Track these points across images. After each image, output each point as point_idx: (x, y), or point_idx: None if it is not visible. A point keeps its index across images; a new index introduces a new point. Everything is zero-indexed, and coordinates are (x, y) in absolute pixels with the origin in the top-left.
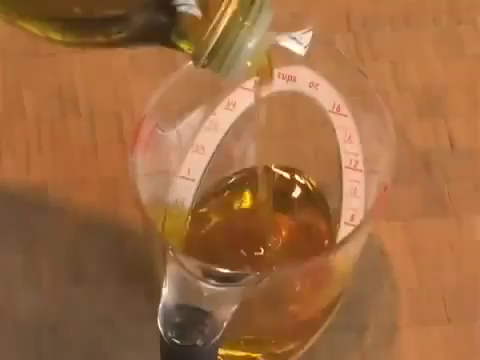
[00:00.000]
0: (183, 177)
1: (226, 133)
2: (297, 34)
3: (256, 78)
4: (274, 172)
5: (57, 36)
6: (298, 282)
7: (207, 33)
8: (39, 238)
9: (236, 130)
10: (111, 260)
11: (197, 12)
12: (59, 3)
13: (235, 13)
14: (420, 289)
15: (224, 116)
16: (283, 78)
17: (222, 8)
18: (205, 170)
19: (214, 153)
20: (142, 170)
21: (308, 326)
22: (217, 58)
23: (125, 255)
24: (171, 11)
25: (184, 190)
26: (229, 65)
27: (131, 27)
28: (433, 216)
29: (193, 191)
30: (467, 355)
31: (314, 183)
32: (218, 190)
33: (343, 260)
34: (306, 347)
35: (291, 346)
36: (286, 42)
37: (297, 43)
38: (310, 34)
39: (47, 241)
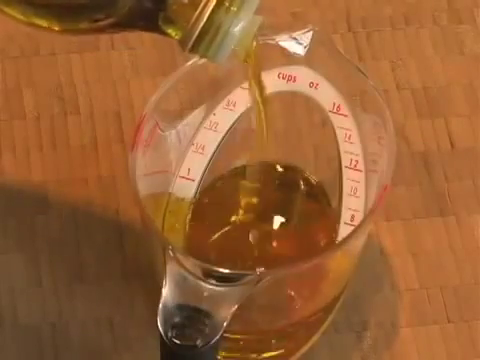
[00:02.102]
0: (183, 177)
1: (226, 133)
2: (297, 34)
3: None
4: (276, 169)
5: (42, 22)
6: (298, 282)
7: (193, 18)
8: (39, 238)
9: (236, 130)
10: (111, 260)
11: None
12: None
13: None
14: (420, 289)
15: (224, 116)
16: (283, 78)
17: None
18: (205, 170)
19: (214, 153)
20: (142, 170)
21: (308, 326)
22: (204, 43)
23: (125, 254)
24: None
25: (184, 190)
26: (216, 49)
27: (118, 13)
28: (433, 216)
29: (193, 191)
30: (467, 355)
31: (315, 180)
32: (218, 188)
33: (343, 260)
34: (306, 347)
35: (291, 346)
36: (286, 42)
37: (297, 43)
38: (310, 34)
39: (47, 241)
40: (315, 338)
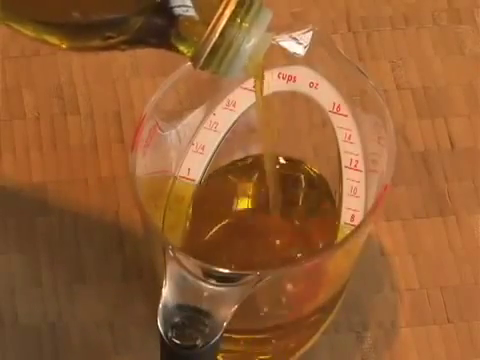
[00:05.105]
0: (183, 177)
1: (226, 133)
2: (297, 34)
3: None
4: (276, 162)
5: (53, 40)
6: (298, 282)
7: (205, 35)
8: (39, 238)
9: (236, 130)
10: (111, 260)
11: (194, 14)
12: (56, 7)
13: (233, 14)
14: (420, 289)
15: (224, 116)
16: (283, 78)
17: (220, 10)
18: (205, 170)
19: (214, 153)
20: (142, 170)
21: (308, 326)
22: (216, 59)
23: (125, 255)
24: (169, 14)
25: (184, 189)
26: (227, 66)
27: (129, 31)
28: (433, 216)
29: (193, 190)
30: (467, 355)
31: (316, 171)
32: (217, 185)
33: (343, 260)
34: (306, 347)
35: (291, 346)
36: (286, 42)
37: (297, 43)
38: (310, 34)
39: (47, 241)
40: (315, 338)
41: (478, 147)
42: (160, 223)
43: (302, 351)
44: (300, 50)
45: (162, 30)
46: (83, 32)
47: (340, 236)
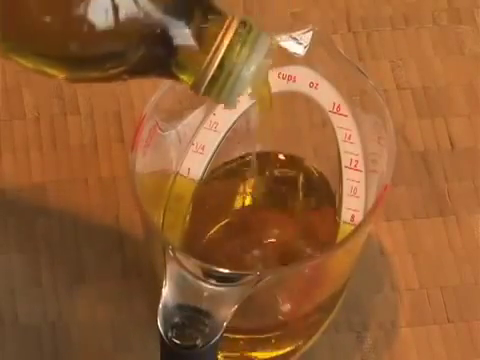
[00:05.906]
0: (183, 176)
1: (226, 133)
2: (297, 34)
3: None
4: (277, 160)
5: (53, 71)
6: (298, 282)
7: (205, 63)
8: (39, 238)
9: (236, 130)
10: (111, 260)
11: (194, 43)
12: (56, 40)
13: (232, 42)
14: (420, 289)
15: (224, 116)
16: (283, 78)
17: (219, 38)
18: (205, 170)
19: (214, 153)
20: (142, 169)
21: (308, 326)
22: (216, 87)
23: (125, 254)
24: (168, 44)
25: (184, 189)
26: (228, 93)
27: (129, 61)
28: (433, 216)
29: (193, 190)
30: (467, 355)
31: (317, 170)
32: (217, 184)
33: (343, 260)
34: (306, 347)
35: (291, 346)
36: (286, 42)
37: (297, 43)
38: (310, 34)
39: (47, 241)
40: (315, 338)
41: (478, 147)
42: (160, 223)
43: (302, 351)
44: (300, 50)
45: (162, 60)
46: (83, 64)
47: (340, 236)
